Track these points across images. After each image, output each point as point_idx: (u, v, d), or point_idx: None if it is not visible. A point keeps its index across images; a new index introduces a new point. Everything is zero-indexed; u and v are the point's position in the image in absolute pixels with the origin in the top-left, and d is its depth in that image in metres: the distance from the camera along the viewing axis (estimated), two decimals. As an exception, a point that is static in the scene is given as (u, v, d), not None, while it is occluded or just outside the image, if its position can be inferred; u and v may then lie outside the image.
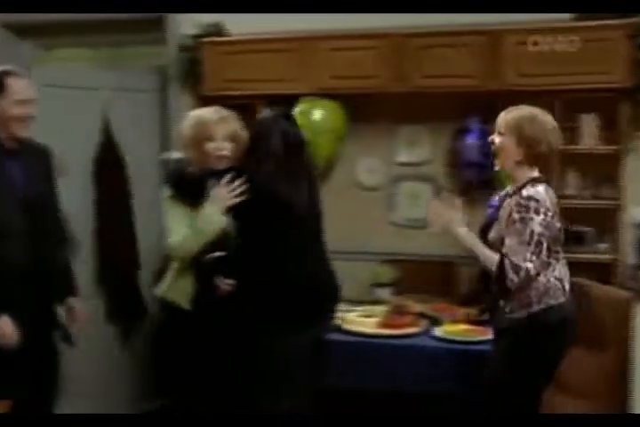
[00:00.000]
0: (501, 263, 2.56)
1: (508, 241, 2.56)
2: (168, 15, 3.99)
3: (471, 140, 3.58)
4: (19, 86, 2.75)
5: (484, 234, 2.75)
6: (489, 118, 3.53)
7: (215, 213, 2.75)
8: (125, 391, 4.11)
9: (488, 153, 3.49)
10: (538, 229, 2.53)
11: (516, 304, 2.63)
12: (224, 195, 2.74)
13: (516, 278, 2.53)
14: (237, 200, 2.72)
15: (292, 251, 2.71)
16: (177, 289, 2.90)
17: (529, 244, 2.53)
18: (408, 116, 3.77)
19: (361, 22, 3.66)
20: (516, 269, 2.53)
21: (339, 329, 3.28)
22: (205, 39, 3.83)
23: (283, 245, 2.71)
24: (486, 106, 3.57)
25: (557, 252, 2.66)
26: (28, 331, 2.73)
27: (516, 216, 2.56)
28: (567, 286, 2.68)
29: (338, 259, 3.48)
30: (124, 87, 4.11)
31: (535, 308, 2.61)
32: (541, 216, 2.53)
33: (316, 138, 3.73)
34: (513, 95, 3.45)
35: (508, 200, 2.70)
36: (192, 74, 3.91)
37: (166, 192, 2.89)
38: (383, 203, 3.99)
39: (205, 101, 3.82)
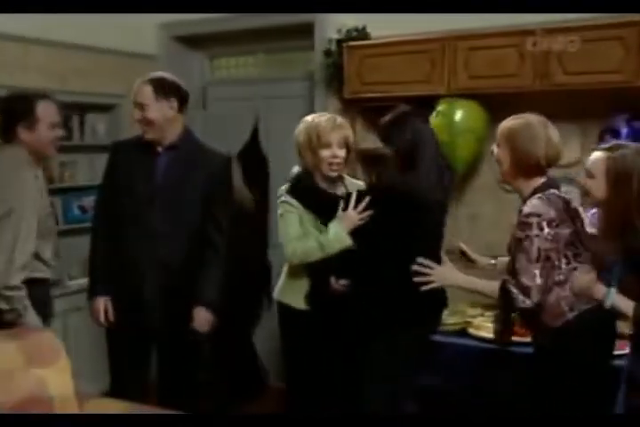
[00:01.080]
0: (504, 288, 2.43)
1: (517, 261, 2.43)
2: (315, 21, 4.13)
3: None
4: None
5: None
6: (638, 117, 3.33)
7: (342, 234, 2.76)
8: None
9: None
10: (545, 245, 2.38)
11: (549, 317, 2.46)
12: (353, 218, 2.76)
13: (528, 300, 2.39)
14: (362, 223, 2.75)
15: (404, 253, 2.69)
16: (291, 290, 2.94)
17: (537, 261, 2.38)
18: (552, 115, 3.55)
19: (500, 20, 3.55)
20: (525, 290, 2.39)
21: (464, 333, 3.23)
22: (346, 43, 3.89)
23: (397, 247, 2.70)
24: (635, 104, 3.35)
25: (579, 254, 2.46)
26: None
27: (520, 235, 2.42)
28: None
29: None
30: (278, 95, 4.35)
31: (569, 316, 2.43)
32: (546, 230, 2.37)
33: (456, 139, 3.67)
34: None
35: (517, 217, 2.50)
36: (335, 78, 4.01)
37: (286, 200, 2.89)
38: (527, 206, 3.83)
39: (347, 105, 3.91)
